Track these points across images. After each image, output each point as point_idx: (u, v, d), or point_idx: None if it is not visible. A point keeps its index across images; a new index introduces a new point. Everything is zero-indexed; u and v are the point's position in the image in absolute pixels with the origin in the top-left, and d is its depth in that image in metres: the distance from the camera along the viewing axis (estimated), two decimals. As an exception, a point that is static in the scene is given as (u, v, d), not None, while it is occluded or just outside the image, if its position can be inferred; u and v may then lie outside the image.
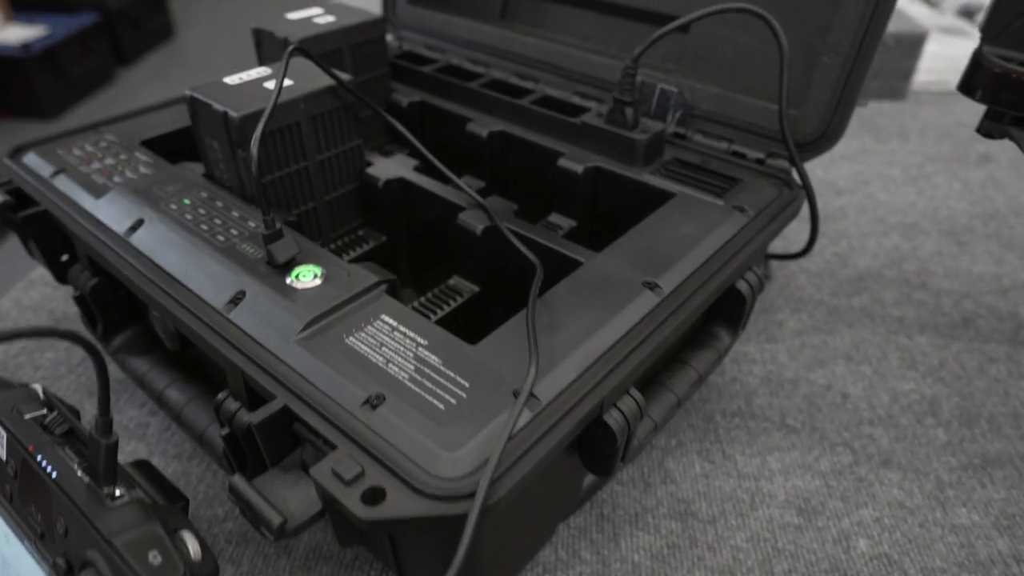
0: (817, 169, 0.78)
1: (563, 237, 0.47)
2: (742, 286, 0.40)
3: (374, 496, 0.26)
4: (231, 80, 0.42)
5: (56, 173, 0.45)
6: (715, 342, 0.42)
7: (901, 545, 0.41)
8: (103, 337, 0.45)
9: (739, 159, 0.48)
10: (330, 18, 0.53)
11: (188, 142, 0.51)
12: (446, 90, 0.56)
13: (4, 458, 0.29)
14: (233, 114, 0.39)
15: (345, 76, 0.43)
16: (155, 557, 0.25)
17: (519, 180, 0.53)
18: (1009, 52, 0.39)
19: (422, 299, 0.43)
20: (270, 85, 0.42)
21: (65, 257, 0.45)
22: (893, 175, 0.78)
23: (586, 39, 0.62)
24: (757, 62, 0.52)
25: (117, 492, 0.27)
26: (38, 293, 0.59)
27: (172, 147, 0.50)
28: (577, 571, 0.39)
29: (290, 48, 0.39)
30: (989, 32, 0.40)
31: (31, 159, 0.47)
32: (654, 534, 0.41)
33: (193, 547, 0.26)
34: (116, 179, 0.44)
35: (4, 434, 0.29)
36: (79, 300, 0.44)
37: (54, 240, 0.44)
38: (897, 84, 0.94)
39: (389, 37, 0.69)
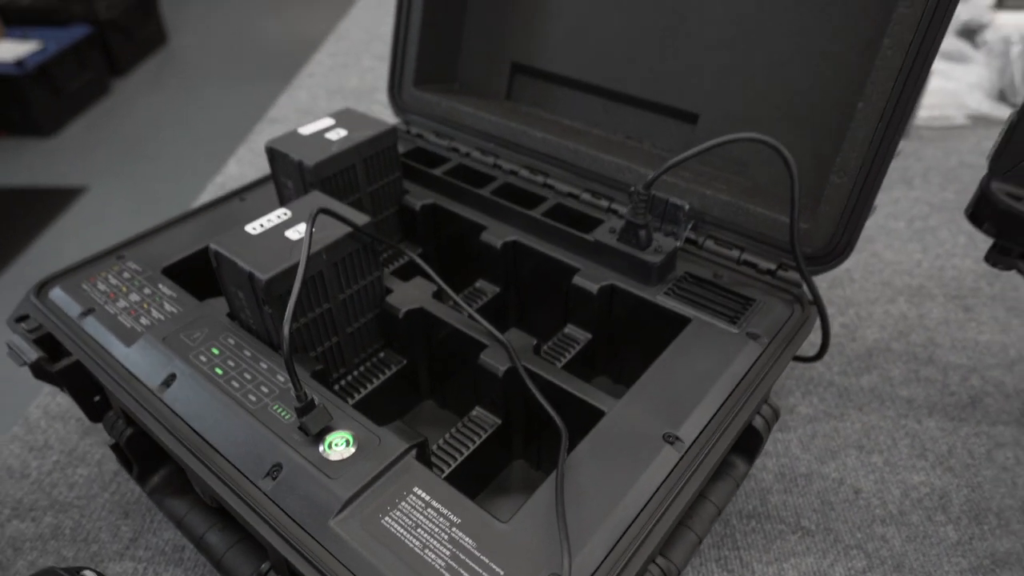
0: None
1: (578, 353, 0.49)
2: (758, 422, 0.41)
3: None
4: (251, 229, 0.43)
5: (84, 314, 0.46)
6: (732, 471, 0.43)
7: (916, 661, 0.42)
8: (139, 478, 0.46)
9: (750, 269, 0.49)
10: (342, 132, 0.54)
11: (208, 267, 0.52)
12: (458, 194, 0.57)
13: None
14: (260, 276, 0.40)
15: (364, 218, 0.44)
16: None
17: (534, 288, 0.54)
18: (1018, 190, 0.40)
19: (446, 437, 0.44)
20: (291, 235, 0.43)
21: (97, 398, 0.47)
22: (898, 229, 0.79)
23: (594, 124, 0.63)
24: (768, 174, 0.52)
25: None
26: (65, 400, 0.61)
27: (193, 273, 0.51)
28: None
29: (315, 211, 0.40)
30: (998, 168, 0.41)
31: (58, 295, 0.48)
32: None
33: None
34: (144, 321, 0.45)
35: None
36: (114, 447, 0.45)
37: (88, 385, 0.45)
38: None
39: (395, 120, 0.69)
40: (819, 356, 0.51)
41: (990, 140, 0.95)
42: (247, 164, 0.92)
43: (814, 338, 0.58)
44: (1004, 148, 0.40)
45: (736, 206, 0.50)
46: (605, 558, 0.32)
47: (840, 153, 0.46)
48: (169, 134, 3.02)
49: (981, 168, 0.86)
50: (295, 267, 0.40)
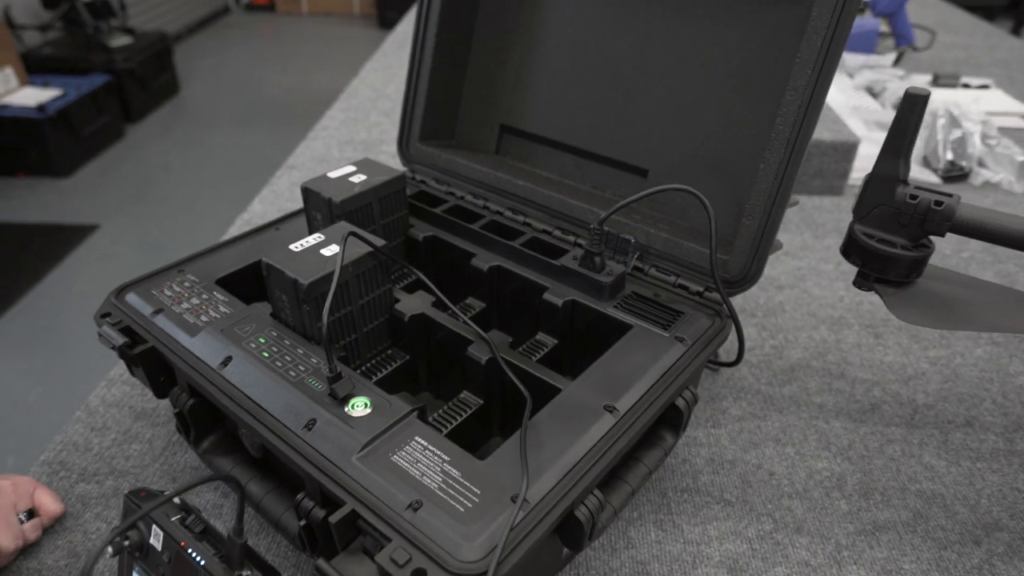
0: (765, 268, 0.93)
1: (547, 355, 0.61)
2: (680, 403, 0.54)
3: (421, 573, 0.39)
4: (294, 247, 0.56)
5: (155, 313, 0.58)
6: (661, 442, 0.55)
7: (804, 596, 0.54)
8: (194, 441, 0.58)
9: (683, 291, 0.62)
10: (362, 176, 0.67)
11: (253, 280, 0.65)
12: (454, 229, 0.70)
13: (160, 549, 0.42)
14: (302, 281, 0.52)
15: (380, 241, 0.57)
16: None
17: (512, 303, 0.67)
18: (871, 231, 0.54)
19: (440, 411, 0.57)
20: (325, 252, 0.56)
21: (162, 379, 0.59)
22: (827, 270, 0.93)
23: (566, 176, 0.77)
24: (697, 217, 0.66)
25: (244, 572, 0.40)
26: (119, 391, 0.72)
27: (240, 284, 0.64)
28: (560, 620, 0.52)
29: (347, 234, 0.53)
30: (858, 214, 0.54)
31: (133, 299, 0.60)
32: (618, 591, 0.54)
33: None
34: (203, 318, 0.57)
35: (161, 532, 0.42)
36: (178, 415, 0.57)
37: (158, 366, 0.57)
38: (835, 182, 1.09)
39: (403, 169, 0.83)
40: (737, 361, 0.64)
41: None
42: (269, 204, 1.05)
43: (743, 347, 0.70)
44: (860, 200, 0.54)
45: (674, 242, 0.64)
46: (553, 488, 0.44)
47: (748, 201, 0.59)
48: (178, 177, 3.17)
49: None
50: (329, 275, 0.53)
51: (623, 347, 0.56)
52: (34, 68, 3.33)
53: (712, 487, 0.63)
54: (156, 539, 0.43)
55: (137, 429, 0.68)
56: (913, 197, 0.52)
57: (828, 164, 1.08)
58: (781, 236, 1.00)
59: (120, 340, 0.56)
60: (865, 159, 1.12)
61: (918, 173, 1.15)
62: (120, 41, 3.59)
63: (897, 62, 1.64)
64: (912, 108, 0.50)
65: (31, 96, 3.05)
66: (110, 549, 0.43)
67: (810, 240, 0.99)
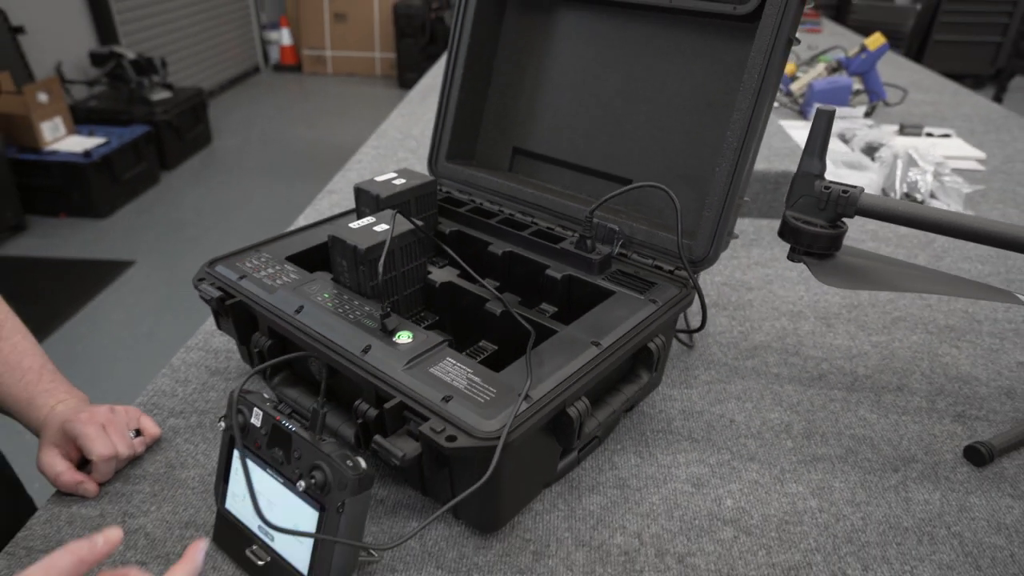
0: (736, 272, 1.09)
1: (549, 317, 0.77)
2: (651, 346, 0.69)
3: (452, 439, 0.54)
4: (354, 225, 0.72)
5: (240, 278, 0.75)
6: (638, 379, 0.70)
7: (751, 502, 0.67)
8: (268, 377, 0.73)
9: (658, 270, 0.78)
10: (403, 180, 0.84)
11: (315, 257, 0.81)
12: (474, 224, 0.87)
13: (259, 425, 0.57)
14: (360, 247, 0.69)
15: (418, 222, 0.73)
16: (349, 462, 0.52)
17: (521, 281, 0.82)
18: (798, 215, 0.70)
19: (463, 354, 0.72)
20: (377, 229, 0.72)
21: (245, 327, 0.74)
22: (791, 276, 1.08)
23: (567, 187, 0.94)
24: (670, 215, 0.82)
25: (325, 437, 0.55)
26: (195, 355, 0.88)
27: (306, 260, 0.80)
28: (554, 515, 0.66)
29: (395, 212, 0.70)
30: (788, 203, 0.70)
31: (222, 268, 0.77)
32: (603, 495, 0.68)
33: (364, 462, 0.53)
34: (278, 282, 0.73)
35: (260, 412, 0.57)
36: (259, 354, 0.72)
37: (243, 318, 0.73)
38: (803, 208, 1.25)
39: (432, 182, 1.00)
40: (701, 327, 0.79)
41: (870, 227, 1.25)
42: (312, 220, 1.22)
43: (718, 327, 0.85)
44: (790, 192, 0.70)
45: (651, 233, 0.80)
46: (550, 390, 0.59)
47: (707, 198, 0.75)
48: (208, 220, 3.39)
49: (860, 240, 1.16)
50: (381, 243, 0.69)
51: (607, 306, 0.71)
52: (81, 119, 3.60)
53: (683, 430, 0.77)
54: (256, 419, 0.58)
55: (213, 382, 0.83)
56: (827, 188, 0.68)
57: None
58: (755, 253, 1.16)
59: (216, 294, 0.72)
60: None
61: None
62: (160, 95, 3.87)
63: (868, 114, 1.83)
64: (822, 120, 0.66)
65: (77, 143, 3.30)
66: (222, 424, 0.58)
67: (779, 253, 1.15)
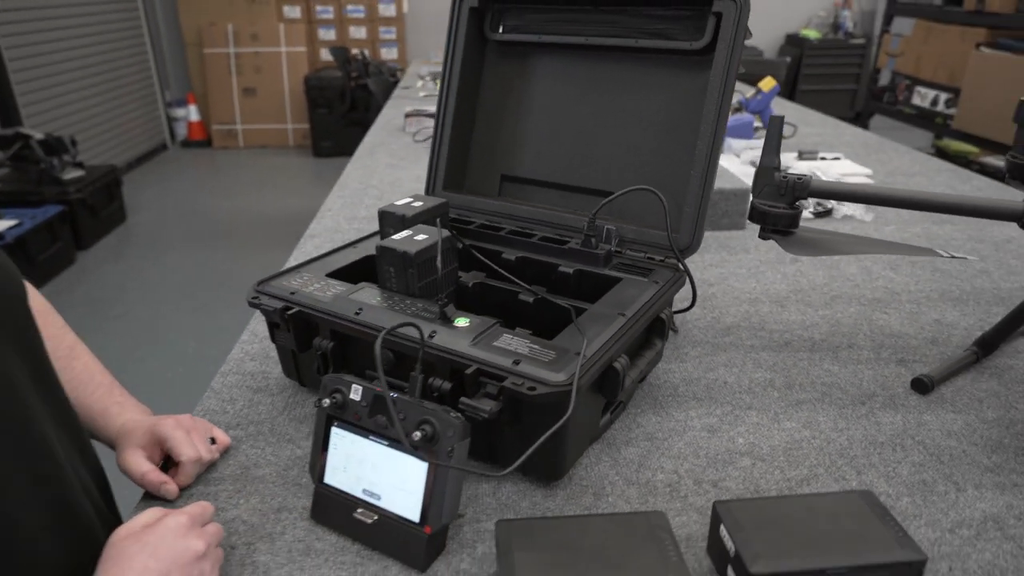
0: (697, 272, 1.25)
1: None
2: (663, 315, 0.82)
3: (532, 388, 0.64)
4: (396, 237, 0.83)
5: (292, 293, 0.83)
6: (654, 345, 0.83)
7: (758, 438, 0.81)
8: (323, 372, 0.80)
9: (651, 260, 0.92)
10: (420, 203, 0.95)
11: (353, 272, 0.90)
12: (484, 238, 0.99)
13: (358, 399, 0.66)
14: (410, 252, 0.79)
15: (448, 233, 0.85)
16: (453, 414, 0.62)
17: (535, 280, 0.94)
18: (764, 201, 0.86)
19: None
20: (418, 238, 0.83)
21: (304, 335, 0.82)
22: (741, 273, 1.25)
23: (554, 204, 1.07)
24: (651, 217, 0.98)
25: (427, 404, 0.64)
26: (233, 379, 0.93)
27: (345, 275, 0.89)
28: (601, 465, 0.77)
29: (438, 220, 0.81)
30: (754, 192, 0.87)
31: (271, 287, 0.84)
32: (637, 446, 0.79)
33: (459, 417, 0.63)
34: (328, 293, 0.82)
35: (360, 387, 0.66)
36: (321, 356, 0.80)
37: (303, 326, 0.81)
38: (737, 220, 1.45)
39: (431, 210, 1.11)
40: (691, 307, 0.93)
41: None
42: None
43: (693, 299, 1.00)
44: (755, 183, 0.87)
45: (639, 231, 0.94)
46: (598, 349, 0.71)
47: (686, 198, 0.91)
48: (133, 296, 3.30)
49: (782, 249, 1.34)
50: (427, 248, 0.80)
51: (619, 289, 0.84)
52: (-12, 203, 3.46)
53: (687, 393, 0.90)
54: (355, 394, 0.66)
55: (258, 398, 0.89)
56: (784, 177, 0.85)
57: (732, 206, 1.44)
58: (708, 257, 1.33)
59: (278, 305, 0.80)
60: (757, 202, 1.50)
61: (796, 212, 1.53)
62: (73, 174, 3.78)
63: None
64: (775, 125, 0.84)
65: (-11, 226, 3.17)
66: (327, 401, 0.66)
67: (727, 257, 1.33)
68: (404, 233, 0.85)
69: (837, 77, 5.82)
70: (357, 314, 0.78)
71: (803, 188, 0.84)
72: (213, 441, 0.78)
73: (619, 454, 0.79)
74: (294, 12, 5.81)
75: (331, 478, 0.68)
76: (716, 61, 0.88)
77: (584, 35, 1.01)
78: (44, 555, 0.55)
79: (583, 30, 1.02)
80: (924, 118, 4.16)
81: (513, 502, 0.72)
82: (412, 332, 0.66)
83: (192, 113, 5.92)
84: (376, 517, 0.65)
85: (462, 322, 0.75)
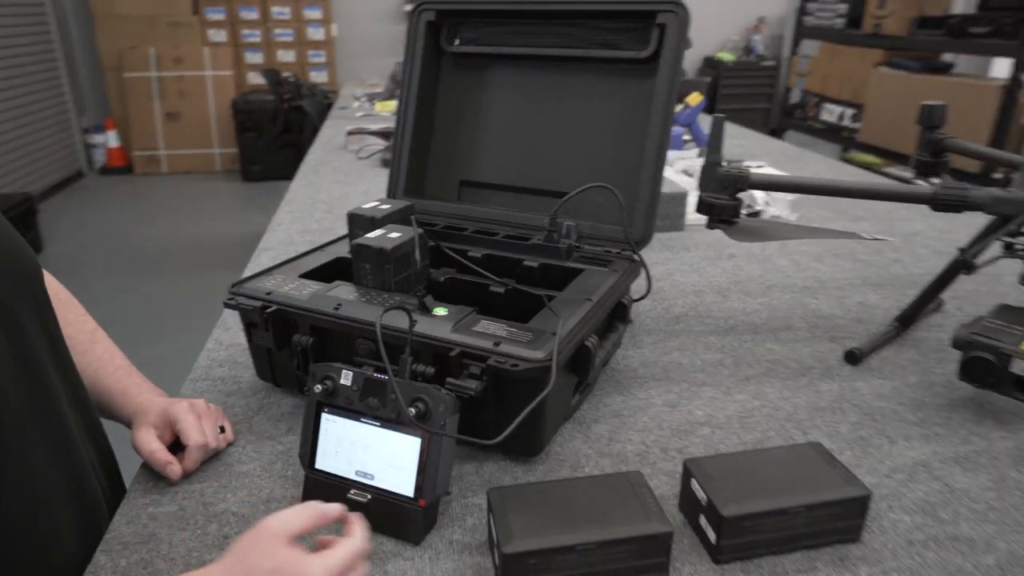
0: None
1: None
2: (624, 300, 0.88)
3: (516, 365, 0.69)
4: (371, 235, 0.86)
5: (268, 293, 0.85)
6: (617, 328, 0.89)
7: (714, 409, 0.88)
8: (307, 372, 0.83)
9: (608, 253, 0.99)
10: (387, 206, 0.99)
11: (326, 272, 0.93)
12: (450, 238, 1.03)
13: (349, 384, 0.68)
14: (386, 248, 0.83)
15: (420, 231, 0.89)
16: (443, 392, 0.66)
17: (501, 275, 0.99)
18: (709, 193, 0.94)
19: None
20: (392, 235, 0.86)
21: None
22: (685, 269, 1.34)
23: (510, 207, 1.13)
24: (605, 215, 1.04)
25: (420, 383, 0.68)
26: (204, 384, 0.94)
27: (318, 276, 0.91)
28: (575, 441, 0.82)
29: (418, 231, 0.85)
30: (701, 187, 0.95)
31: (247, 288, 0.86)
32: (605, 423, 0.85)
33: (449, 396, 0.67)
34: (304, 292, 0.85)
35: (351, 372, 0.69)
36: (301, 352, 0.82)
37: (281, 325, 0.83)
38: (676, 221, 1.55)
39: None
40: (646, 295, 1.00)
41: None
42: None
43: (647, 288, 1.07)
44: (701, 178, 0.95)
45: (596, 227, 1.01)
46: (571, 329, 0.76)
47: (638, 194, 0.98)
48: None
49: (722, 245, 1.45)
50: (402, 244, 0.84)
51: (583, 278, 0.90)
52: None
53: (646, 375, 0.96)
54: (345, 379, 0.69)
55: (232, 402, 0.90)
56: (727, 172, 0.93)
57: (671, 209, 1.54)
58: (653, 256, 1.41)
59: (257, 304, 0.82)
60: (692, 205, 1.60)
61: (729, 214, 1.64)
62: (-14, 202, 3.59)
63: (700, 155, 2.23)
64: (717, 125, 0.92)
65: None
66: (319, 387, 0.68)
67: (670, 255, 1.41)
68: (377, 232, 0.88)
69: (752, 96, 6.16)
70: (337, 309, 0.81)
71: (744, 180, 0.93)
72: (222, 430, 0.79)
73: (590, 431, 0.84)
74: (219, 36, 5.73)
75: (322, 463, 0.70)
76: (661, 68, 0.97)
77: (537, 46, 1.08)
78: (58, 526, 0.57)
79: (536, 42, 1.08)
80: (832, 132, 4.47)
81: (496, 478, 0.76)
82: (399, 322, 0.70)
83: (112, 139, 5.72)
84: (370, 497, 0.68)
85: (441, 311, 0.79)
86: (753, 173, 0.94)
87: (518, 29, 1.09)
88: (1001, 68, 4.65)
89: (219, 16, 5.70)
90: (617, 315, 0.90)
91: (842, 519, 0.66)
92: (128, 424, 0.79)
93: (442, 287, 0.92)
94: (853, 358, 0.99)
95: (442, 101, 1.17)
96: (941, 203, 0.85)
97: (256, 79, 5.85)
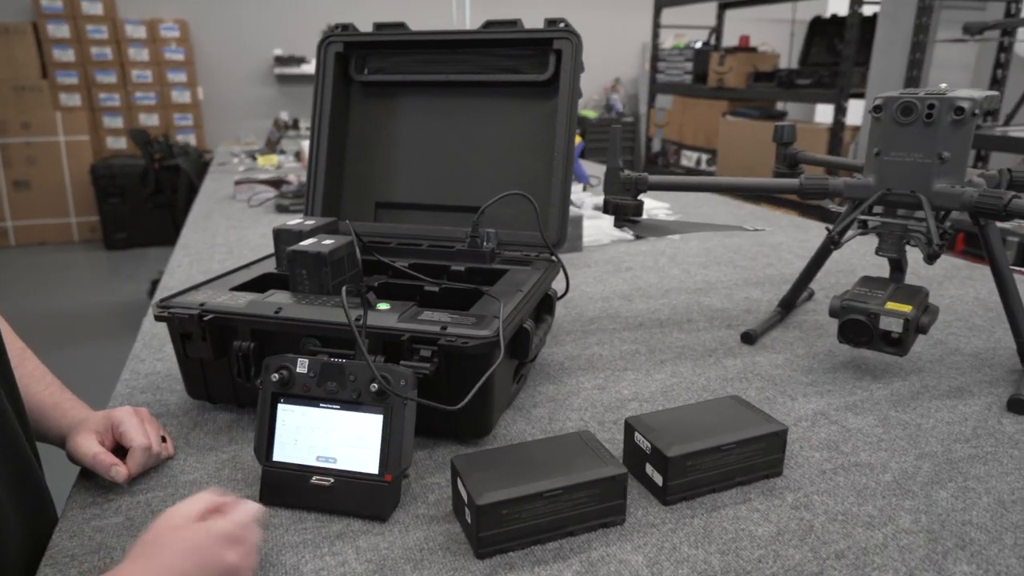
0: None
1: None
2: (550, 292, 0.95)
3: (466, 341, 0.73)
4: (305, 242, 0.88)
5: (201, 304, 0.84)
6: (546, 319, 0.96)
7: (638, 388, 0.96)
8: (252, 378, 0.82)
9: (528, 256, 1.06)
10: (312, 221, 1.01)
11: (257, 287, 0.93)
12: (376, 251, 1.06)
13: (306, 371, 0.70)
14: (323, 252, 0.85)
15: (352, 237, 0.92)
16: (401, 368, 0.69)
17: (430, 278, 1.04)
18: (614, 196, 1.05)
19: (415, 327, 0.90)
20: (326, 242, 0.89)
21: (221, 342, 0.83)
22: (590, 281, 1.44)
23: (424, 223, 1.18)
24: (520, 223, 1.12)
25: (378, 358, 0.70)
26: (143, 381, 0.90)
27: (248, 289, 0.91)
28: (517, 424, 0.86)
29: (347, 223, 0.88)
30: (606, 191, 1.05)
31: (179, 301, 0.85)
32: (543, 407, 0.90)
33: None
34: (240, 301, 0.85)
35: (306, 360, 0.70)
36: (243, 358, 0.82)
37: (219, 333, 0.82)
38: (575, 243, 1.66)
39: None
40: (566, 292, 1.08)
41: (621, 248, 1.70)
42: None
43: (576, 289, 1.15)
44: (605, 182, 1.05)
45: (513, 233, 1.08)
46: (510, 314, 0.82)
47: (549, 202, 1.07)
48: None
49: (619, 261, 1.56)
50: (338, 248, 0.86)
51: (510, 275, 0.96)
52: None
53: (572, 366, 1.03)
54: (302, 367, 0.70)
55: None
56: (628, 176, 1.04)
57: (569, 231, 1.64)
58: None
59: (194, 312, 0.81)
60: (592, 230, 1.72)
61: (621, 236, 1.78)
62: None
63: (585, 190, 2.39)
64: (615, 134, 1.03)
65: None
66: (275, 376, 0.69)
67: (574, 272, 1.51)
68: (309, 240, 0.90)
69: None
70: (277, 312, 0.82)
71: (643, 182, 1.04)
72: (165, 440, 0.77)
73: (530, 414, 0.89)
74: (73, 100, 5.44)
75: (280, 454, 0.71)
76: (561, 87, 1.07)
77: (444, 73, 1.16)
78: (9, 526, 0.55)
79: (443, 69, 1.16)
80: (693, 175, 4.90)
81: (447, 462, 0.79)
82: (342, 319, 0.73)
83: (-52, 210, 5.20)
84: (333, 480, 0.69)
85: (384, 306, 0.82)
86: (651, 176, 1.05)
87: (425, 58, 1.17)
88: (824, 113, 5.34)
89: (71, 80, 5.42)
90: (544, 307, 0.97)
91: (766, 453, 0.74)
92: (58, 441, 0.75)
93: (377, 292, 0.95)
94: (749, 338, 1.11)
95: (354, 127, 1.21)
96: (807, 192, 1.00)
97: (116, 143, 5.58)
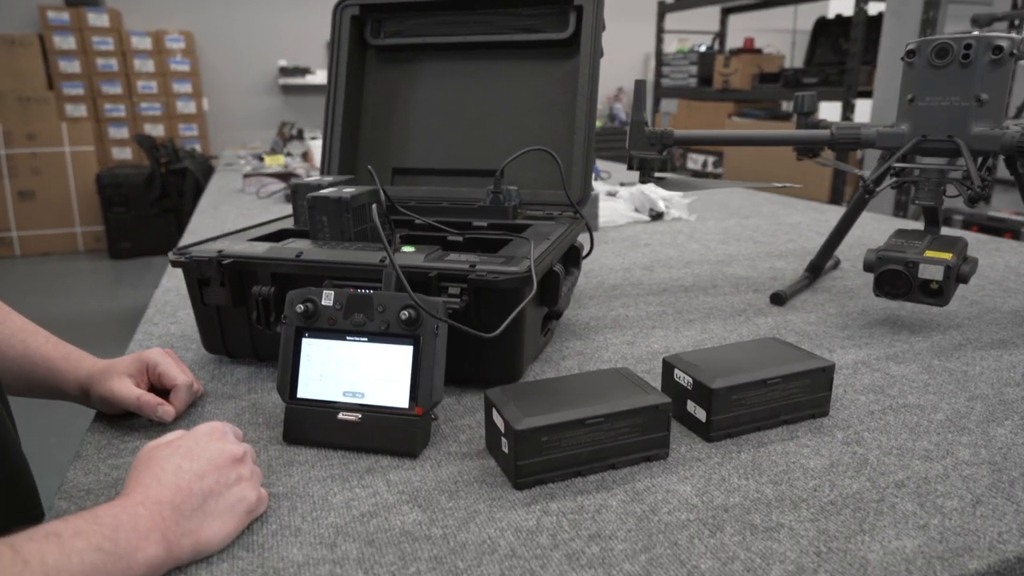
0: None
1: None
2: (576, 244, 0.92)
3: (497, 275, 0.70)
4: (325, 191, 0.85)
5: (219, 251, 0.82)
6: (574, 270, 0.92)
7: (668, 344, 0.92)
8: (273, 323, 0.79)
9: (551, 215, 1.03)
10: (330, 178, 0.99)
11: (274, 240, 0.90)
12: (395, 212, 1.04)
13: (331, 304, 0.67)
14: (346, 198, 0.83)
15: (377, 187, 0.89)
16: (432, 304, 0.66)
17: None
18: (638, 151, 1.02)
19: (439, 276, 0.87)
20: (347, 189, 0.86)
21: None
22: (608, 255, 1.41)
23: (442, 186, 1.16)
24: (543, 182, 1.09)
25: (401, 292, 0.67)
26: (156, 341, 0.87)
27: (266, 240, 0.89)
28: (547, 373, 0.83)
29: (369, 168, 0.85)
30: (630, 146, 1.03)
31: (196, 251, 0.82)
32: (572, 359, 0.87)
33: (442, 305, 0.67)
34: (258, 249, 0.82)
35: (331, 292, 0.67)
36: (264, 302, 0.79)
37: (239, 278, 0.80)
38: (592, 221, 1.63)
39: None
40: (589, 253, 1.05)
41: (637, 228, 1.67)
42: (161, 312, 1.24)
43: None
44: (629, 137, 1.03)
45: (535, 192, 1.06)
46: (539, 255, 0.79)
47: (572, 159, 1.04)
48: None
49: (635, 238, 1.55)
50: (359, 195, 0.84)
51: (536, 227, 0.94)
52: None
53: (599, 326, 1.00)
54: (327, 300, 0.67)
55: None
56: (653, 130, 1.02)
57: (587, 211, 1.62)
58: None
59: (213, 255, 0.78)
60: (607, 211, 1.70)
61: (636, 217, 1.75)
62: None
63: (596, 179, 2.37)
64: (640, 87, 1.01)
65: None
66: (300, 308, 0.66)
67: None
68: (332, 188, 0.88)
69: (622, 158, 6.62)
70: (299, 256, 0.79)
71: (669, 137, 1.02)
72: None
73: (560, 365, 0.86)
74: (78, 111, 5.45)
75: (305, 390, 0.67)
76: (583, 46, 1.05)
77: (461, 35, 1.14)
78: None
79: (460, 30, 1.14)
80: (699, 178, 4.88)
81: (477, 406, 0.75)
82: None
83: (-47, 221, 5.19)
84: (360, 416, 0.66)
85: (409, 249, 0.79)
86: (676, 131, 1.03)
87: (442, 19, 1.15)
88: (831, 113, 5.32)
89: (77, 91, 5.44)
90: (570, 259, 0.94)
91: (812, 391, 0.71)
92: (75, 392, 0.71)
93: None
94: (779, 299, 1.08)
95: (370, 93, 1.19)
96: (839, 142, 0.98)
97: (122, 154, 5.59)
